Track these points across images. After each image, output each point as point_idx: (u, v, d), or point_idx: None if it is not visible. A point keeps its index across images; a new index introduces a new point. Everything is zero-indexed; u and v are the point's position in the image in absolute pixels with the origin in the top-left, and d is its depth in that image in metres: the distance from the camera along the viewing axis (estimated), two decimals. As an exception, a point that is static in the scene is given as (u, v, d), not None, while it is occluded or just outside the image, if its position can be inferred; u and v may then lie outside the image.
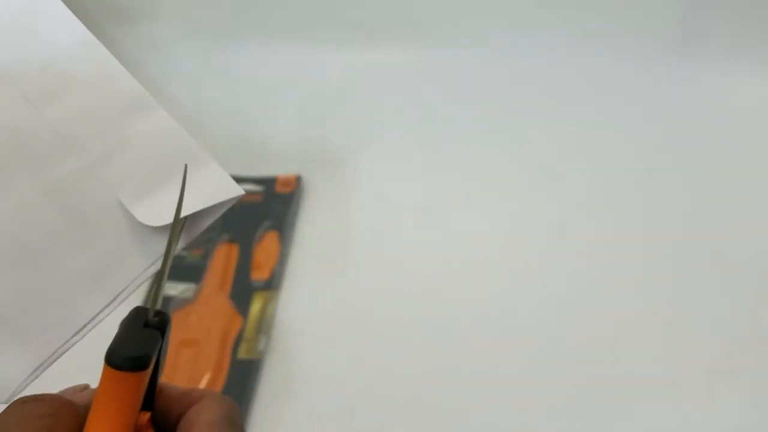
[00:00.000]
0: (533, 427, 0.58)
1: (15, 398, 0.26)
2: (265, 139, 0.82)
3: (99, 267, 0.30)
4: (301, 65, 0.88)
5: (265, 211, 0.73)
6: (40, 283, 0.30)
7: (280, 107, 0.85)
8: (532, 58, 0.84)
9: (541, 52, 0.84)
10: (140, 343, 0.26)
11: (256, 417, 0.61)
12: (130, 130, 0.32)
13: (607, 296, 0.65)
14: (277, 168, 0.77)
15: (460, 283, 0.67)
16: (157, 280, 0.28)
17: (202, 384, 0.62)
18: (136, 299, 0.67)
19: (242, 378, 0.62)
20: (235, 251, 0.71)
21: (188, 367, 0.63)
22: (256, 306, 0.67)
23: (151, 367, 0.26)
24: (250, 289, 0.68)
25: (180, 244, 0.31)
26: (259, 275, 0.69)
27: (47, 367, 0.29)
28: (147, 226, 0.30)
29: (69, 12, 0.33)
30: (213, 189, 0.31)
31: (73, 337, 0.29)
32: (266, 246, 0.71)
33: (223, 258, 0.71)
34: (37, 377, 0.29)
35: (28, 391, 0.28)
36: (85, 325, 0.30)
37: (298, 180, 0.76)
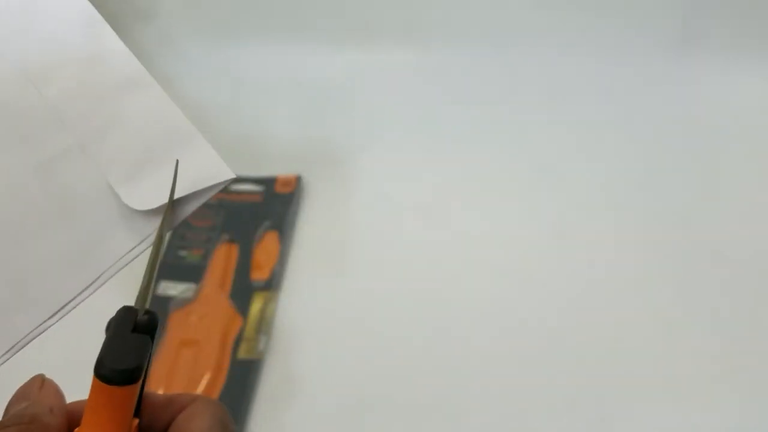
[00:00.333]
0: (533, 427, 0.58)
1: None
2: (265, 139, 0.82)
3: (81, 247, 0.29)
4: (301, 65, 0.88)
5: (265, 211, 0.73)
6: (19, 261, 0.29)
7: (281, 107, 0.85)
8: (532, 58, 0.84)
9: (541, 52, 0.84)
10: (130, 352, 0.25)
11: (256, 417, 0.61)
12: (124, 108, 0.31)
13: (607, 296, 0.65)
14: (277, 168, 0.77)
15: (460, 283, 0.67)
16: (146, 277, 0.27)
17: (202, 384, 0.62)
18: (118, 283, 0.67)
19: (242, 378, 0.62)
20: (235, 251, 0.71)
21: (188, 367, 0.63)
22: (256, 306, 0.67)
23: (143, 376, 0.25)
24: (250, 289, 0.68)
25: (167, 227, 0.30)
26: (259, 275, 0.69)
27: (18, 351, 0.28)
28: (128, 206, 0.29)
29: None
30: (204, 173, 0.30)
31: (48, 320, 0.29)
32: (266, 246, 0.71)
33: (223, 258, 0.71)
34: (6, 361, 0.28)
35: (7, 364, 0.27)
36: (61, 308, 0.29)
37: (298, 180, 0.76)
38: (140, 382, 0.25)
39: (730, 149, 0.76)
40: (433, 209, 0.73)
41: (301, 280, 0.69)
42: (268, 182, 0.76)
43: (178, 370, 0.63)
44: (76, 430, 0.25)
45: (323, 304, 0.67)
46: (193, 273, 0.69)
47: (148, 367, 0.26)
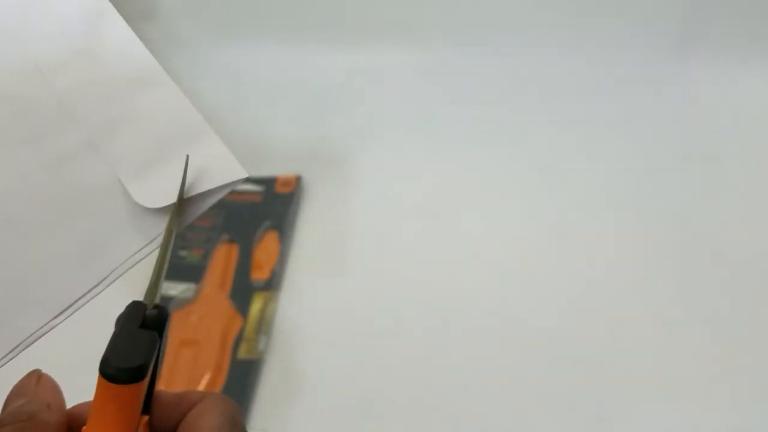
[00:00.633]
0: (533, 427, 0.58)
1: None
2: (265, 139, 0.82)
3: (89, 245, 0.29)
4: (301, 65, 0.88)
5: (265, 211, 0.73)
6: (26, 257, 0.28)
7: (280, 107, 0.85)
8: (532, 58, 0.84)
9: (541, 52, 0.84)
10: (136, 349, 0.24)
11: (256, 417, 0.61)
12: (136, 104, 0.30)
13: (607, 296, 0.65)
14: (277, 168, 0.77)
15: (460, 283, 0.67)
16: (156, 271, 0.27)
17: (202, 384, 0.62)
18: (126, 283, 0.67)
19: (242, 378, 0.62)
20: (235, 251, 0.71)
21: (188, 367, 0.63)
22: (256, 306, 0.67)
23: (150, 373, 0.25)
24: (250, 289, 0.68)
25: (177, 223, 0.29)
26: (259, 275, 0.69)
27: (24, 349, 0.28)
28: (143, 206, 0.29)
29: None
30: (217, 171, 0.29)
31: (54, 319, 0.28)
32: (266, 246, 0.71)
33: (223, 258, 0.71)
34: (12, 359, 0.28)
35: (1, 376, 0.27)
36: (68, 307, 0.28)
37: (298, 180, 0.76)
38: (146, 380, 0.24)
39: (730, 149, 0.76)
40: (433, 209, 0.73)
41: (301, 280, 0.69)
42: (268, 182, 0.76)
43: (178, 370, 0.63)
44: (83, 429, 0.24)
45: (323, 304, 0.67)
46: (193, 273, 0.69)
47: (157, 362, 0.25)
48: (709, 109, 0.79)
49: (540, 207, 0.72)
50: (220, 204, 0.80)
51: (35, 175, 0.29)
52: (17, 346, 0.28)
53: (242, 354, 0.64)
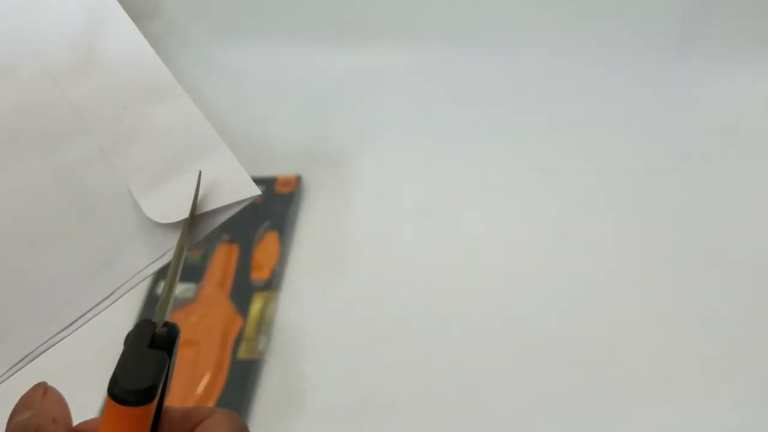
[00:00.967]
0: (533, 427, 0.58)
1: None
2: (265, 139, 0.82)
3: (98, 258, 0.28)
4: (301, 65, 0.88)
5: (265, 211, 0.73)
6: (34, 269, 0.28)
7: (280, 107, 0.85)
8: (532, 58, 0.84)
9: (540, 52, 0.84)
10: (145, 370, 0.24)
11: (256, 417, 0.61)
12: (149, 116, 0.30)
13: (607, 296, 0.65)
14: (277, 168, 0.77)
15: (460, 283, 0.67)
16: (166, 288, 0.26)
17: (202, 384, 0.62)
18: (133, 298, 0.67)
19: (242, 378, 0.62)
20: (235, 251, 0.71)
21: (188, 367, 0.63)
22: (256, 306, 0.67)
23: (159, 395, 0.24)
24: (250, 289, 0.68)
25: (188, 240, 0.28)
26: (259, 275, 0.69)
27: (30, 362, 0.27)
28: (150, 220, 0.28)
29: None
30: (229, 188, 0.28)
31: (60, 332, 0.27)
32: (266, 246, 0.71)
33: (223, 258, 0.71)
34: (17, 371, 0.27)
35: (6, 386, 0.26)
36: (75, 320, 0.28)
37: (298, 180, 0.76)
38: (156, 400, 0.24)
39: (729, 149, 0.76)
40: (433, 209, 0.73)
41: (301, 280, 0.69)
42: (268, 182, 0.76)
43: (178, 370, 0.63)
44: None
45: (323, 304, 0.67)
46: (193, 273, 0.69)
47: (167, 381, 0.25)
48: (709, 109, 0.79)
49: (540, 207, 0.72)
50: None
51: (46, 184, 0.29)
52: (23, 358, 0.27)
53: (242, 354, 0.64)
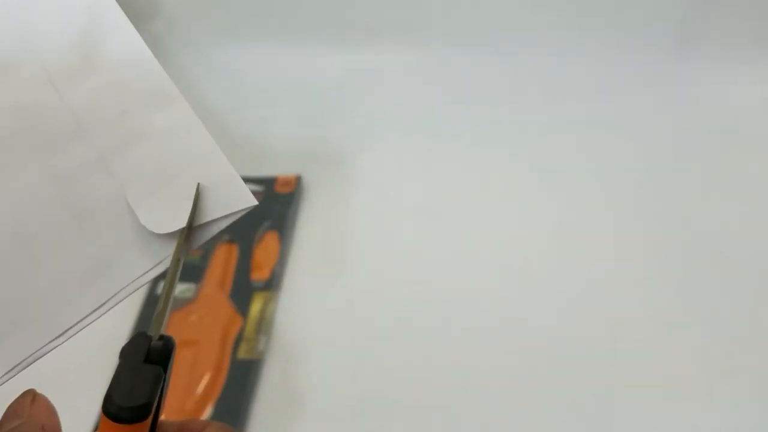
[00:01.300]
0: (533, 427, 0.58)
1: None
2: (265, 139, 0.82)
3: (94, 265, 0.28)
4: (301, 65, 0.88)
5: (265, 211, 0.73)
6: (29, 275, 0.28)
7: (280, 107, 0.85)
8: (532, 58, 0.84)
9: (541, 52, 0.84)
10: (140, 386, 0.24)
11: (256, 417, 0.61)
12: (147, 121, 0.29)
13: (607, 296, 0.65)
14: (277, 168, 0.77)
15: (460, 283, 0.67)
16: (162, 301, 0.26)
17: (202, 384, 0.62)
18: (131, 302, 0.67)
19: (242, 378, 0.62)
20: (235, 251, 0.71)
21: (188, 367, 0.63)
22: (256, 306, 0.67)
23: (153, 410, 0.24)
24: (250, 289, 0.68)
25: (184, 251, 0.28)
26: (259, 275, 0.69)
27: (23, 369, 0.27)
28: (146, 229, 0.28)
29: None
30: (226, 198, 0.28)
31: (54, 339, 0.27)
32: (266, 246, 0.71)
33: (223, 258, 0.71)
34: (10, 379, 0.27)
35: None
36: (69, 328, 0.27)
37: (298, 180, 0.76)
38: (151, 417, 0.24)
39: (729, 149, 0.76)
40: (433, 209, 0.73)
41: (301, 280, 0.69)
42: (268, 182, 0.76)
43: (178, 371, 0.63)
44: None
45: (323, 304, 0.67)
46: (193, 273, 0.69)
47: (162, 396, 0.25)
48: (709, 109, 0.79)
49: (540, 207, 0.72)
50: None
51: (44, 188, 0.29)
52: (17, 365, 0.27)
53: (242, 354, 0.64)
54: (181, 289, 0.68)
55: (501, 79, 0.84)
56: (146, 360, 0.24)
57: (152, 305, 0.66)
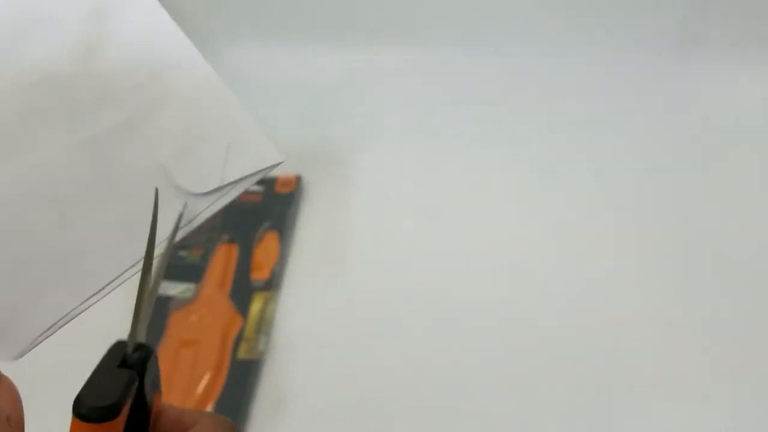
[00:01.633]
0: (533, 426, 0.58)
1: (25, 355, 0.25)
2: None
3: (127, 224, 0.29)
4: (301, 65, 0.88)
5: (265, 211, 0.73)
6: (65, 236, 0.29)
7: (280, 107, 0.85)
8: (531, 59, 0.84)
9: (540, 52, 0.84)
10: (110, 388, 0.24)
11: (256, 417, 0.61)
12: (173, 86, 0.30)
13: (607, 296, 0.65)
14: (277, 168, 0.77)
15: (460, 283, 0.67)
16: (137, 307, 0.27)
17: (202, 384, 0.62)
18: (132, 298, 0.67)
19: (242, 378, 0.62)
20: (235, 251, 0.71)
21: (188, 367, 0.63)
22: (256, 306, 0.67)
23: (126, 411, 0.24)
24: (250, 289, 0.68)
25: (221, 202, 0.30)
26: (259, 275, 0.69)
27: (62, 326, 0.28)
28: (178, 187, 0.29)
29: None
30: (254, 156, 0.30)
31: (92, 296, 0.28)
32: (266, 246, 0.71)
33: (223, 258, 0.71)
34: (50, 336, 0.28)
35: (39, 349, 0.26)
36: (105, 286, 0.29)
37: (298, 180, 0.76)
38: (121, 418, 0.24)
39: (729, 149, 0.76)
40: (433, 209, 0.73)
41: (301, 280, 0.69)
42: (268, 182, 0.76)
43: (178, 370, 0.63)
44: None
45: (323, 304, 0.67)
46: (193, 273, 0.69)
47: (146, 399, 0.25)
48: (709, 109, 0.79)
49: (540, 207, 0.72)
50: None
51: (76, 154, 0.29)
52: (56, 322, 0.28)
53: (242, 354, 0.64)
54: (181, 289, 0.68)
55: (501, 79, 0.84)
56: (121, 365, 0.25)
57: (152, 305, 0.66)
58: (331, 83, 0.86)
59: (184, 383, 0.62)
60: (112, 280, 0.29)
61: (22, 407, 0.26)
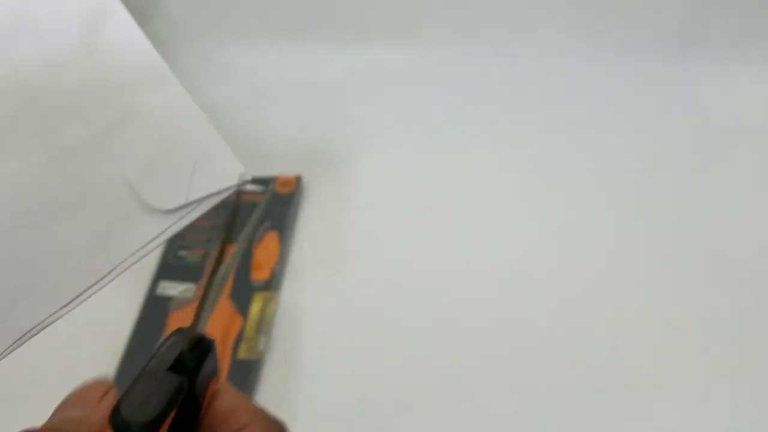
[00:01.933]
0: (533, 426, 0.58)
1: None
2: (265, 139, 0.82)
3: (95, 240, 0.29)
4: (301, 65, 0.88)
5: (265, 211, 0.73)
6: (34, 249, 0.28)
7: (280, 107, 0.85)
8: (531, 58, 0.84)
9: (541, 52, 0.84)
10: (153, 399, 0.22)
11: (256, 417, 0.61)
12: (143, 102, 0.30)
13: (607, 296, 0.65)
14: (277, 168, 0.77)
15: (460, 282, 0.67)
16: (204, 297, 0.26)
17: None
18: (134, 298, 0.67)
19: (242, 378, 0.62)
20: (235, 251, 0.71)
21: (188, 367, 0.63)
22: (256, 306, 0.67)
23: (168, 422, 0.22)
24: (250, 289, 0.68)
25: (182, 224, 0.29)
26: (259, 275, 0.69)
27: (28, 340, 0.27)
28: (147, 204, 0.29)
29: None
30: (219, 173, 0.29)
31: (59, 310, 0.28)
32: (266, 246, 0.71)
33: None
34: (16, 349, 0.27)
35: (5, 362, 0.26)
36: (73, 299, 0.28)
37: (298, 180, 0.76)
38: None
39: (729, 149, 0.76)
40: (432, 209, 0.73)
41: (301, 280, 0.69)
42: (268, 182, 0.76)
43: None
44: None
45: (323, 304, 0.67)
46: (193, 273, 0.69)
47: (197, 397, 0.23)
48: (709, 110, 0.79)
49: (540, 207, 0.72)
50: (220, 204, 0.80)
51: (44, 166, 0.29)
52: (23, 335, 0.27)
53: (242, 354, 0.64)
54: (181, 289, 0.68)
55: (501, 79, 0.84)
56: (173, 366, 0.23)
57: (153, 306, 0.66)
58: (331, 83, 0.86)
59: (184, 383, 0.62)
60: (82, 293, 0.28)
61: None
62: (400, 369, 0.62)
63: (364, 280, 0.68)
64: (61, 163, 0.30)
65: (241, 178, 0.29)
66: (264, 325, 0.65)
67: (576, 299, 0.65)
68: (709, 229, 0.69)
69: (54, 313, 0.28)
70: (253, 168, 0.88)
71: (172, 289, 0.68)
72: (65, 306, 0.28)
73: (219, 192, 0.29)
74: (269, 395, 0.62)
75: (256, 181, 0.76)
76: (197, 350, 0.23)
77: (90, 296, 0.28)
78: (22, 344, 0.27)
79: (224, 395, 0.25)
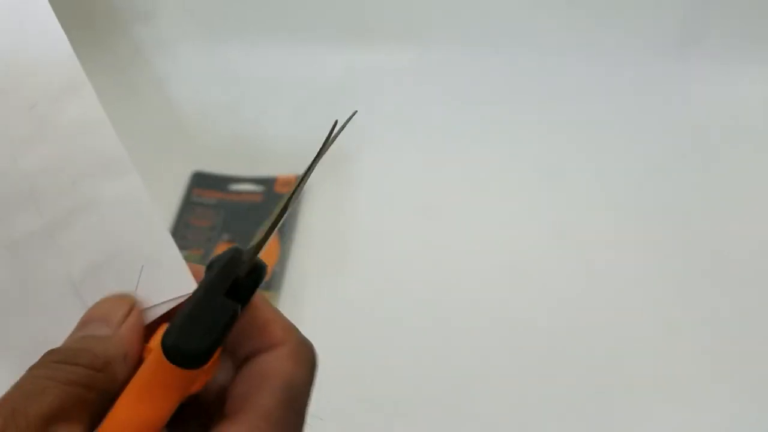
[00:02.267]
0: (533, 426, 0.58)
1: None
2: (265, 139, 0.82)
3: (37, 341, 0.26)
4: (301, 64, 0.88)
5: (265, 211, 0.73)
6: None
7: (280, 107, 0.85)
8: (531, 58, 0.84)
9: (541, 52, 0.84)
10: (207, 328, 0.21)
11: (256, 417, 0.61)
12: (97, 194, 0.28)
13: (607, 296, 0.65)
14: (277, 168, 0.77)
15: (460, 282, 0.67)
16: (272, 226, 0.24)
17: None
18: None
19: (242, 378, 0.62)
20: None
21: (188, 367, 0.63)
22: (256, 306, 0.67)
23: (219, 353, 0.21)
24: (250, 289, 0.68)
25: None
26: (259, 275, 0.69)
27: None
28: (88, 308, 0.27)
29: (68, 48, 0.29)
30: (168, 283, 0.27)
31: None
32: (266, 246, 0.71)
33: (223, 258, 0.70)
34: None
35: None
36: None
37: (298, 180, 0.76)
38: (212, 361, 0.21)
39: (729, 149, 0.76)
40: (433, 209, 0.73)
41: (301, 280, 0.69)
42: (268, 182, 0.76)
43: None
44: (121, 396, 0.21)
45: (323, 304, 0.67)
46: (193, 273, 0.69)
47: (246, 301, 0.22)
48: (709, 110, 0.79)
49: (540, 207, 0.72)
50: (220, 204, 0.80)
51: None
52: None
53: (242, 354, 0.64)
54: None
55: (501, 79, 0.84)
56: (229, 292, 0.22)
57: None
58: (331, 83, 0.86)
59: (184, 383, 0.62)
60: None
61: (142, 343, 0.24)
62: (400, 369, 0.62)
63: (364, 280, 0.68)
64: (10, 254, 0.28)
65: (187, 290, 0.27)
66: (264, 325, 0.65)
67: (576, 299, 0.65)
68: (709, 229, 0.69)
69: None
70: (253, 168, 0.88)
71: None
72: None
73: (162, 303, 0.27)
74: (269, 395, 0.62)
75: (256, 181, 0.76)
76: (252, 276, 0.23)
77: None
78: None
79: (261, 308, 0.24)
